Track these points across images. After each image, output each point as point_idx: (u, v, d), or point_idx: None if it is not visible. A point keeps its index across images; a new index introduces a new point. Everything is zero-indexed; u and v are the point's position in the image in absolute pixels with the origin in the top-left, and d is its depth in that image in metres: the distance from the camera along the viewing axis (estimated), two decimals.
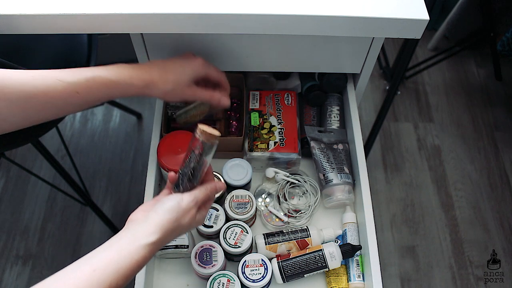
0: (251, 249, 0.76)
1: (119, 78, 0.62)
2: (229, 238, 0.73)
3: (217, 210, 0.76)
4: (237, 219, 0.75)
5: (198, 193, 0.60)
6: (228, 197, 0.77)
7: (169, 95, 0.67)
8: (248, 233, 0.74)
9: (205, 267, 0.71)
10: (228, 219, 0.77)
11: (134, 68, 0.64)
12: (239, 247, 0.73)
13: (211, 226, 0.75)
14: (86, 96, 0.60)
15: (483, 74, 1.85)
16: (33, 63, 0.95)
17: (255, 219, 0.81)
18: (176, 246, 0.73)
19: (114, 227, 1.35)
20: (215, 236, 0.77)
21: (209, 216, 0.76)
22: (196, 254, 0.72)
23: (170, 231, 0.56)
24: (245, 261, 0.72)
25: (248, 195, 0.78)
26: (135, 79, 0.63)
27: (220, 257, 0.72)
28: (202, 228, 0.75)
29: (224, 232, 0.74)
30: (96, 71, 0.60)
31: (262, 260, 0.72)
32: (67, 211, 1.48)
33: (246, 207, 0.76)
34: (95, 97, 0.61)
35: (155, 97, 0.67)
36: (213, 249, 0.73)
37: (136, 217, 0.58)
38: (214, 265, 0.71)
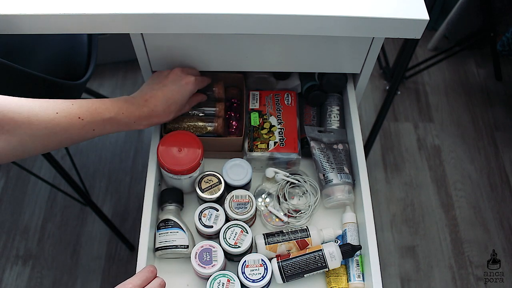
0: (251, 249, 0.76)
1: (129, 119, 0.69)
2: (229, 238, 0.73)
3: (217, 210, 0.76)
4: (237, 219, 0.75)
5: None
6: (228, 197, 0.77)
7: (171, 119, 0.76)
8: (248, 233, 0.74)
9: (205, 267, 0.71)
10: (228, 219, 0.77)
11: (141, 106, 0.71)
12: (239, 247, 0.73)
13: (211, 226, 0.75)
14: (99, 132, 0.67)
15: (483, 74, 1.85)
16: (33, 63, 0.95)
17: (255, 219, 0.81)
18: (176, 246, 0.73)
19: (114, 227, 1.35)
20: (215, 236, 0.77)
21: (209, 216, 0.76)
22: (196, 254, 0.72)
23: None
24: (245, 261, 0.72)
25: (248, 195, 0.78)
26: (143, 119, 0.71)
27: (220, 257, 0.72)
28: (202, 228, 0.75)
29: (224, 232, 0.74)
30: (111, 110, 0.67)
31: (262, 260, 0.72)
32: (67, 211, 1.48)
33: (246, 207, 0.76)
34: (107, 132, 0.69)
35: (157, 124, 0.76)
36: (213, 249, 0.73)
37: None
38: (214, 265, 0.71)
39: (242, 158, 0.82)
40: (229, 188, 0.81)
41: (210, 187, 0.77)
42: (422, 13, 0.66)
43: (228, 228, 0.75)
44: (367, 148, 1.52)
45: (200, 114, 0.85)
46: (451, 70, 1.86)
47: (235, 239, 0.73)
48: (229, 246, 0.73)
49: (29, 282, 1.35)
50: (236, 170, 0.80)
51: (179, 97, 0.74)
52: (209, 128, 0.83)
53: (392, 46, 1.89)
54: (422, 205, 1.53)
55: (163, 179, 0.83)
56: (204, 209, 0.76)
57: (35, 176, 1.41)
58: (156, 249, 0.74)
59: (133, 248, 1.40)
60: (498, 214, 1.51)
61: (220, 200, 0.79)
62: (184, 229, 0.75)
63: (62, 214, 1.48)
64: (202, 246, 0.73)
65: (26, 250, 1.41)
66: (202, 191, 0.77)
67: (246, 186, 0.81)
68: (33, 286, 1.35)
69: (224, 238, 0.74)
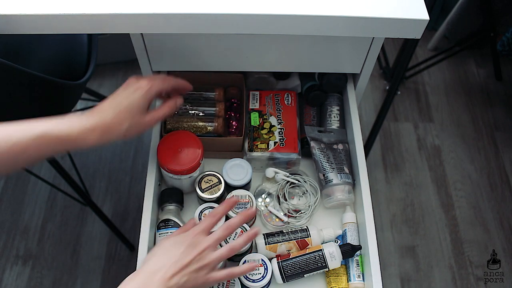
0: (251, 249, 0.76)
1: (69, 134, 0.58)
2: (229, 238, 0.73)
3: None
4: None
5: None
6: (228, 197, 0.77)
7: (127, 134, 0.64)
8: None
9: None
10: (228, 219, 0.77)
11: (86, 119, 0.61)
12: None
13: None
14: (35, 153, 0.57)
15: (483, 74, 1.85)
16: (33, 63, 0.95)
17: (255, 219, 0.81)
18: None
19: (114, 227, 1.35)
20: None
21: None
22: None
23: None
24: (245, 261, 0.72)
25: (248, 195, 0.78)
26: (87, 133, 0.60)
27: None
28: None
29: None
30: (46, 126, 0.58)
31: (262, 260, 0.72)
32: (67, 211, 1.48)
33: (246, 207, 0.76)
34: (44, 154, 0.58)
35: (115, 140, 0.64)
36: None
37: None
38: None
39: (242, 158, 0.82)
40: (229, 188, 0.81)
41: (210, 187, 0.77)
42: (422, 13, 0.66)
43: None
44: (367, 148, 1.52)
45: (200, 114, 0.85)
46: (451, 70, 1.86)
47: (235, 239, 0.73)
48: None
49: (29, 282, 1.35)
50: (236, 170, 0.80)
51: (127, 103, 0.64)
52: (209, 128, 0.83)
53: (392, 46, 1.89)
54: (422, 205, 1.53)
55: (163, 179, 0.83)
56: (204, 209, 0.76)
57: (35, 176, 1.41)
58: None
59: (133, 248, 1.40)
60: (498, 214, 1.51)
61: (220, 200, 0.79)
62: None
63: (62, 214, 1.47)
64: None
65: (26, 250, 1.41)
66: (202, 191, 0.77)
67: (246, 186, 0.80)
68: (33, 286, 1.35)
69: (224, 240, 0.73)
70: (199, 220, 0.75)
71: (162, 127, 0.83)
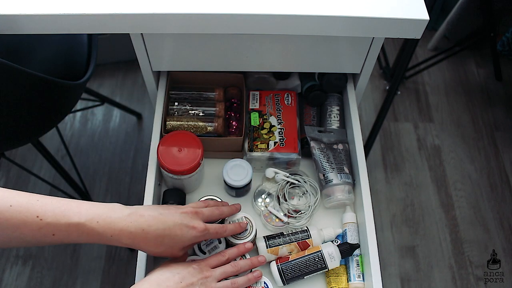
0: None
1: (107, 231, 0.55)
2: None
3: (220, 242, 0.75)
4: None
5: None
6: (230, 227, 0.74)
7: (156, 255, 0.63)
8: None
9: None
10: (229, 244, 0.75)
11: (131, 219, 0.57)
12: (237, 275, 0.70)
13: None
14: (61, 239, 0.53)
15: (483, 74, 1.85)
16: (33, 63, 0.95)
17: (254, 244, 0.78)
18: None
19: None
20: None
21: (208, 243, 0.75)
22: None
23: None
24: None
25: (244, 216, 0.76)
26: (124, 236, 0.56)
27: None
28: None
29: None
30: (83, 215, 0.54)
31: (265, 283, 0.72)
32: None
33: (247, 229, 0.74)
34: (72, 241, 0.55)
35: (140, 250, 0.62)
36: (198, 259, 0.71)
37: None
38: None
39: (242, 158, 0.82)
40: (230, 188, 0.81)
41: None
42: (422, 13, 0.66)
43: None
44: (367, 148, 1.52)
45: (200, 114, 0.85)
46: (451, 70, 1.86)
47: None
48: None
49: (29, 282, 1.35)
50: (236, 170, 0.80)
51: (178, 234, 0.60)
52: (209, 128, 0.83)
53: (392, 46, 1.89)
54: (422, 205, 1.53)
55: (163, 179, 0.83)
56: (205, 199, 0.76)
57: (35, 176, 1.41)
58: None
59: (133, 248, 1.40)
60: (498, 214, 1.51)
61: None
62: None
63: None
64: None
65: (26, 250, 1.41)
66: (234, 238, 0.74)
67: (246, 187, 0.80)
68: (33, 286, 1.35)
69: None
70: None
71: (162, 127, 0.83)
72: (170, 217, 0.61)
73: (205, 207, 0.69)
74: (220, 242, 0.74)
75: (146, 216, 0.59)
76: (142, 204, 0.74)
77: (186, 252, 0.67)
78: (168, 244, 0.60)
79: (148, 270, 0.72)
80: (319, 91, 0.88)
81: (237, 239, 0.73)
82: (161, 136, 0.82)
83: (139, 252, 0.71)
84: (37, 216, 0.51)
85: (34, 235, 0.52)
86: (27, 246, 0.55)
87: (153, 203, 0.75)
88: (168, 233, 0.60)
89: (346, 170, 0.82)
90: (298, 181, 0.83)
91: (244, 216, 0.76)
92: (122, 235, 0.56)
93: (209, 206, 0.70)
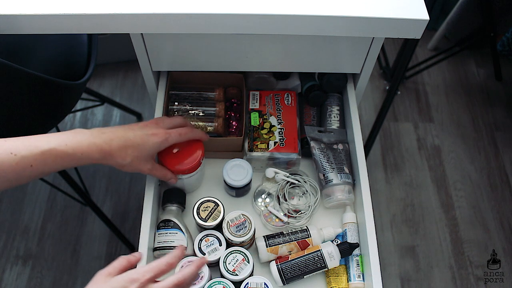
0: (252, 273, 0.75)
1: (75, 150, 0.60)
2: (229, 264, 0.72)
3: (220, 245, 0.75)
4: (242, 241, 0.74)
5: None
6: (225, 225, 0.74)
7: (126, 167, 0.66)
8: (249, 263, 0.72)
9: (195, 283, 0.70)
10: (229, 244, 0.75)
11: (93, 136, 0.62)
12: (237, 275, 0.71)
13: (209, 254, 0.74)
14: (40, 168, 0.58)
15: (483, 74, 1.85)
16: (33, 63, 0.95)
17: (253, 241, 0.79)
18: (174, 248, 0.73)
19: (114, 227, 1.35)
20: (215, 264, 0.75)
21: (212, 248, 0.74)
22: None
23: None
24: (248, 283, 0.71)
25: (241, 214, 0.76)
26: (92, 150, 0.61)
27: (204, 268, 0.71)
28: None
29: (225, 257, 0.73)
30: (52, 141, 0.59)
31: (265, 283, 0.72)
32: (67, 211, 1.48)
33: (246, 226, 0.75)
34: (50, 169, 0.59)
35: (111, 166, 0.65)
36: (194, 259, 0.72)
37: None
38: (202, 277, 0.70)
39: (242, 158, 0.82)
40: (230, 189, 0.81)
41: (210, 213, 0.75)
42: (422, 13, 0.66)
43: (230, 253, 0.73)
44: (367, 148, 1.52)
45: (200, 114, 0.85)
46: (451, 70, 1.86)
47: (234, 265, 0.72)
48: (227, 271, 0.71)
49: (29, 282, 1.35)
50: (236, 170, 0.80)
51: (140, 143, 0.66)
52: (209, 128, 0.83)
53: (392, 46, 1.89)
54: (422, 205, 1.53)
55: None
56: (203, 236, 0.75)
57: None
58: (155, 249, 0.74)
59: (133, 248, 1.40)
60: (498, 214, 1.51)
61: (221, 224, 0.76)
62: (184, 230, 0.75)
63: (62, 214, 1.47)
64: (182, 266, 0.71)
65: (26, 250, 1.41)
66: (204, 220, 0.75)
67: (246, 187, 0.80)
68: (33, 286, 1.35)
69: (224, 263, 0.72)
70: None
71: None
72: (130, 130, 0.66)
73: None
74: (220, 245, 0.74)
75: (107, 132, 0.64)
76: (142, 204, 0.74)
77: (153, 165, 0.70)
78: (132, 154, 0.65)
79: None
80: (319, 91, 0.88)
81: (235, 237, 0.73)
82: None
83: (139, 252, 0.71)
84: (11, 153, 0.56)
85: (13, 170, 0.56)
86: (11, 186, 0.58)
87: (153, 203, 0.75)
88: (131, 143, 0.65)
89: (346, 170, 0.82)
90: (298, 181, 0.83)
91: (242, 214, 0.76)
92: (91, 150, 0.61)
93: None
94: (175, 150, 0.75)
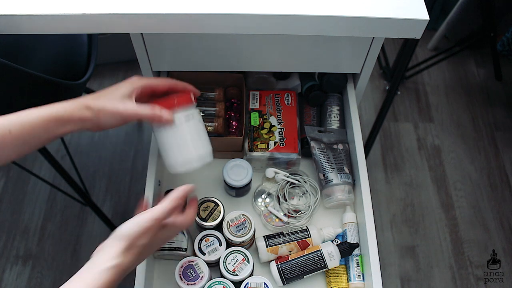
0: (252, 273, 0.75)
1: (50, 111, 0.59)
2: (229, 264, 0.72)
3: (220, 244, 0.75)
4: (242, 241, 0.74)
5: (157, 210, 0.59)
6: (225, 225, 0.75)
7: (102, 113, 0.62)
8: (249, 263, 0.72)
9: (195, 283, 0.70)
10: (229, 244, 0.75)
11: (86, 98, 0.63)
12: (237, 275, 0.71)
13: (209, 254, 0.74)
14: (21, 135, 0.57)
15: (483, 74, 1.85)
16: (33, 63, 0.95)
17: (253, 241, 0.79)
18: (175, 248, 0.73)
19: (114, 227, 1.35)
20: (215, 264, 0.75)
21: (212, 248, 0.75)
22: (180, 275, 0.71)
23: (131, 254, 0.56)
24: (248, 283, 0.71)
25: (241, 214, 0.76)
26: (85, 106, 0.61)
27: (204, 268, 0.71)
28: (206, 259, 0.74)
29: (225, 257, 0.73)
30: (52, 107, 0.60)
31: (265, 283, 0.72)
32: (67, 211, 1.48)
33: (246, 226, 0.75)
34: (32, 135, 0.58)
35: (90, 124, 0.62)
36: (193, 263, 0.72)
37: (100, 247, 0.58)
38: (202, 277, 0.70)
39: (242, 158, 0.82)
40: (230, 189, 0.81)
41: (210, 213, 0.75)
42: (422, 13, 0.66)
43: (230, 253, 0.73)
44: (367, 148, 1.52)
45: (200, 114, 0.85)
46: (451, 70, 1.86)
47: (234, 266, 0.72)
48: (227, 271, 0.71)
49: (29, 282, 1.35)
50: (236, 170, 0.80)
51: (112, 87, 0.67)
52: (209, 128, 0.83)
53: (392, 46, 1.89)
54: (422, 205, 1.53)
55: (163, 178, 0.83)
56: (203, 236, 0.75)
57: (35, 176, 1.41)
58: None
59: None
60: (498, 214, 1.51)
61: (221, 224, 0.77)
62: (184, 231, 0.75)
63: (62, 214, 1.47)
64: (182, 266, 0.71)
65: (26, 250, 1.41)
66: (204, 220, 0.75)
67: (246, 187, 0.80)
68: (33, 286, 1.35)
69: (224, 263, 0.72)
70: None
71: None
72: (106, 88, 0.66)
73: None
74: (220, 245, 0.74)
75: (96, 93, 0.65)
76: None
77: (134, 105, 0.64)
78: (105, 97, 0.64)
79: (148, 270, 0.72)
80: (319, 91, 0.88)
81: (235, 237, 0.73)
82: None
83: None
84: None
85: (19, 139, 0.57)
86: (17, 156, 0.59)
87: (153, 203, 0.75)
88: (103, 92, 0.66)
89: (346, 170, 0.82)
90: (298, 181, 0.83)
91: (242, 214, 0.76)
92: (83, 110, 0.61)
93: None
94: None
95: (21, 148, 0.59)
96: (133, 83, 0.66)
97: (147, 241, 0.57)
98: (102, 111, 0.62)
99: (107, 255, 0.55)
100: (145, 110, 0.64)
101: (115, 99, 0.64)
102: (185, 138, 0.66)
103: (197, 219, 0.75)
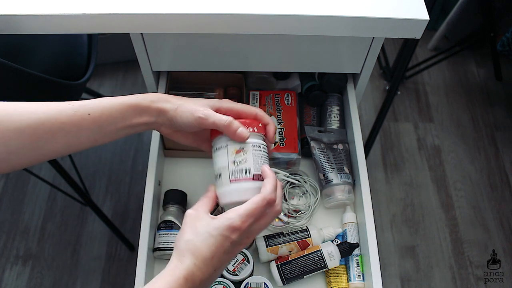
0: (252, 273, 0.74)
1: (130, 99, 0.58)
2: (228, 264, 0.71)
3: (248, 262, 0.73)
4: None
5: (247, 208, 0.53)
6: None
7: (179, 109, 0.59)
8: (249, 263, 0.72)
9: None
10: None
11: (152, 93, 0.61)
12: (237, 275, 0.71)
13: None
14: (99, 119, 0.56)
15: (483, 74, 1.85)
16: (33, 63, 0.95)
17: (253, 241, 0.78)
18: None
19: (114, 227, 1.35)
20: None
21: (238, 264, 0.73)
22: None
23: (217, 262, 0.52)
24: (248, 283, 0.71)
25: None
26: (143, 98, 0.59)
27: None
28: None
29: None
30: (131, 97, 0.59)
31: (265, 283, 0.71)
32: (67, 211, 1.48)
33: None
34: (109, 120, 0.57)
35: (165, 118, 0.61)
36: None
37: (179, 245, 0.53)
38: None
39: None
40: None
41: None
42: (422, 13, 0.66)
43: None
44: (367, 148, 1.52)
45: None
46: (451, 70, 1.86)
47: (234, 265, 0.72)
48: (227, 271, 0.71)
49: (29, 282, 1.35)
50: None
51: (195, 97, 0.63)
52: None
53: (392, 46, 1.89)
54: (422, 205, 1.53)
55: (163, 178, 0.83)
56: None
57: (35, 176, 1.41)
58: (155, 249, 0.74)
59: (133, 248, 1.40)
60: (498, 214, 1.51)
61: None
62: None
63: (62, 214, 1.47)
64: None
65: (26, 250, 1.41)
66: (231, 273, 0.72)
67: None
68: (33, 286, 1.35)
69: None
70: None
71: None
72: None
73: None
74: (248, 262, 0.73)
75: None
76: (142, 204, 0.74)
77: (210, 111, 0.59)
78: (182, 99, 0.61)
79: (148, 270, 0.72)
80: (319, 91, 0.88)
81: None
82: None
83: (139, 252, 0.71)
84: (68, 104, 0.56)
85: (72, 120, 0.55)
86: (77, 146, 0.58)
87: (153, 203, 0.75)
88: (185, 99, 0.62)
89: (346, 170, 0.82)
90: (298, 181, 0.83)
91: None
92: (143, 98, 0.59)
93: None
94: None
95: (96, 136, 0.57)
96: (222, 102, 0.62)
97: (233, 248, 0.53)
98: (180, 107, 0.60)
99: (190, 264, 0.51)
100: (223, 117, 0.59)
101: (196, 102, 0.61)
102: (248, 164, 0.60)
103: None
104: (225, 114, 0.60)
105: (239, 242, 0.53)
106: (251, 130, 0.60)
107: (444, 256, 1.44)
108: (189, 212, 0.56)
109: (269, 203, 0.55)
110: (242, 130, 0.58)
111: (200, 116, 0.59)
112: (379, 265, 0.71)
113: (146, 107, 0.59)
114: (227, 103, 0.63)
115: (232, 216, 0.53)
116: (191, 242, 0.52)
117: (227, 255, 0.53)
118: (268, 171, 0.59)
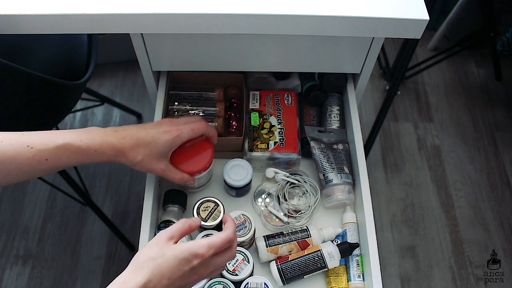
0: (252, 273, 0.74)
1: (90, 146, 0.61)
2: (229, 264, 0.72)
3: (248, 262, 0.73)
4: (242, 241, 0.74)
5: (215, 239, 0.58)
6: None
7: (137, 166, 0.66)
8: (249, 263, 0.72)
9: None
10: None
11: (107, 134, 0.63)
12: (237, 275, 0.71)
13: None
14: (54, 163, 0.59)
15: (483, 74, 1.85)
16: (33, 63, 0.95)
17: (253, 241, 0.79)
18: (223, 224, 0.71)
19: (114, 227, 1.35)
20: None
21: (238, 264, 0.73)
22: None
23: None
24: (248, 283, 0.71)
25: (241, 214, 0.76)
26: (105, 147, 0.62)
27: None
28: None
29: None
30: (67, 136, 0.60)
31: (265, 283, 0.72)
32: (67, 211, 1.48)
33: (246, 226, 0.75)
34: (64, 163, 0.61)
35: (124, 164, 0.66)
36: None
37: (141, 259, 0.57)
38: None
39: (242, 158, 0.82)
40: (230, 188, 0.81)
41: (210, 213, 0.74)
42: (422, 13, 0.66)
43: None
44: (367, 148, 1.52)
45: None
46: (451, 70, 1.86)
47: (234, 265, 0.72)
48: (227, 271, 0.71)
49: (29, 282, 1.35)
50: (236, 170, 0.80)
51: (151, 141, 0.66)
52: None
53: (392, 46, 1.89)
54: (422, 205, 1.53)
55: (163, 179, 0.83)
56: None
57: None
58: None
59: (133, 248, 1.40)
60: (498, 214, 1.51)
61: (221, 225, 0.75)
62: None
63: (62, 214, 1.47)
64: None
65: (26, 250, 1.41)
66: (204, 220, 0.73)
67: (246, 187, 0.80)
68: (33, 286, 1.35)
69: None
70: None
71: None
72: (143, 129, 0.66)
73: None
74: (248, 262, 0.73)
75: (120, 131, 0.65)
76: (142, 204, 0.74)
77: (167, 166, 0.69)
78: (144, 153, 0.65)
79: None
80: (319, 91, 0.88)
81: (240, 237, 0.73)
82: None
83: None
84: (28, 146, 0.57)
85: (29, 163, 0.58)
86: (26, 179, 0.60)
87: (153, 203, 0.75)
88: (142, 142, 0.65)
89: (346, 170, 0.82)
90: (298, 181, 0.83)
91: (242, 214, 0.76)
92: (104, 147, 0.62)
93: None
94: (187, 145, 0.73)
95: (49, 172, 0.62)
96: (171, 144, 0.69)
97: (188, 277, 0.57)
98: (137, 166, 0.66)
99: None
100: (175, 175, 0.71)
101: (153, 158, 0.67)
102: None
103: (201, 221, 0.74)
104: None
105: (197, 270, 0.56)
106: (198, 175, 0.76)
107: (444, 256, 1.44)
108: (162, 233, 0.58)
109: (230, 242, 0.60)
110: (191, 182, 0.74)
111: (156, 173, 0.69)
112: (379, 265, 0.71)
113: (105, 160, 0.63)
114: (185, 134, 0.69)
115: (198, 243, 0.57)
116: (154, 261, 0.55)
117: (182, 280, 0.55)
118: (229, 217, 0.65)
